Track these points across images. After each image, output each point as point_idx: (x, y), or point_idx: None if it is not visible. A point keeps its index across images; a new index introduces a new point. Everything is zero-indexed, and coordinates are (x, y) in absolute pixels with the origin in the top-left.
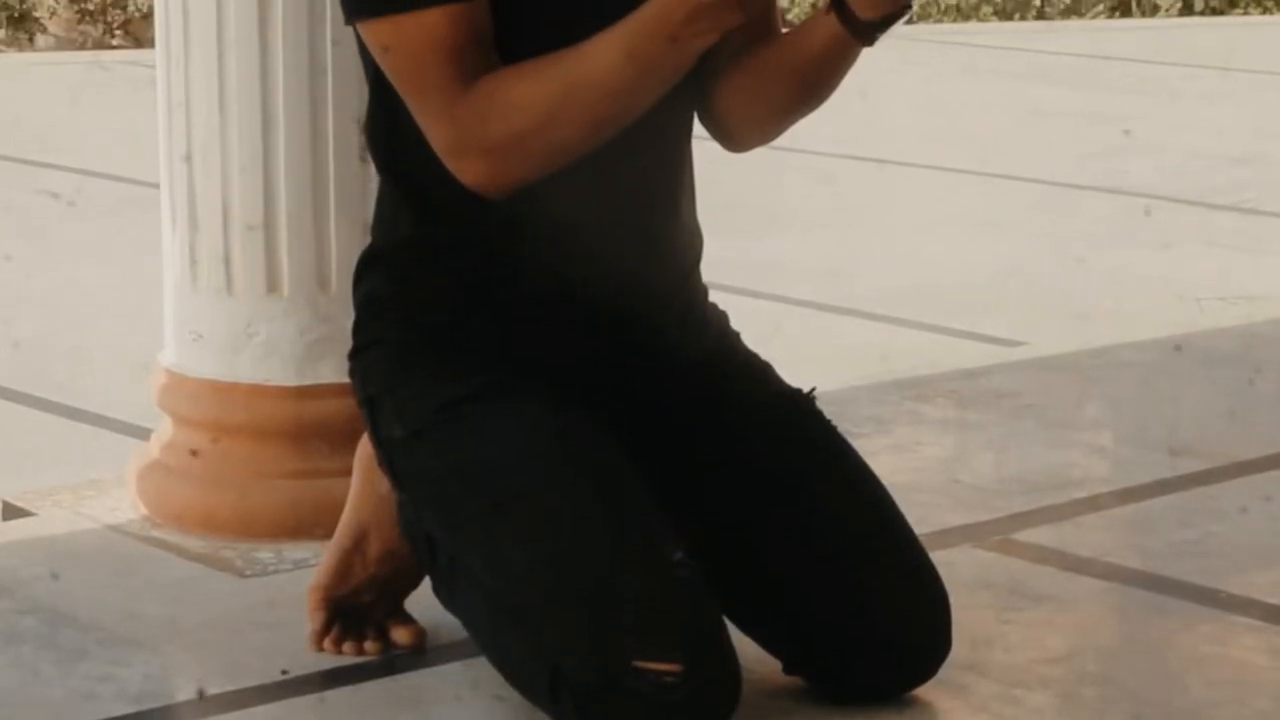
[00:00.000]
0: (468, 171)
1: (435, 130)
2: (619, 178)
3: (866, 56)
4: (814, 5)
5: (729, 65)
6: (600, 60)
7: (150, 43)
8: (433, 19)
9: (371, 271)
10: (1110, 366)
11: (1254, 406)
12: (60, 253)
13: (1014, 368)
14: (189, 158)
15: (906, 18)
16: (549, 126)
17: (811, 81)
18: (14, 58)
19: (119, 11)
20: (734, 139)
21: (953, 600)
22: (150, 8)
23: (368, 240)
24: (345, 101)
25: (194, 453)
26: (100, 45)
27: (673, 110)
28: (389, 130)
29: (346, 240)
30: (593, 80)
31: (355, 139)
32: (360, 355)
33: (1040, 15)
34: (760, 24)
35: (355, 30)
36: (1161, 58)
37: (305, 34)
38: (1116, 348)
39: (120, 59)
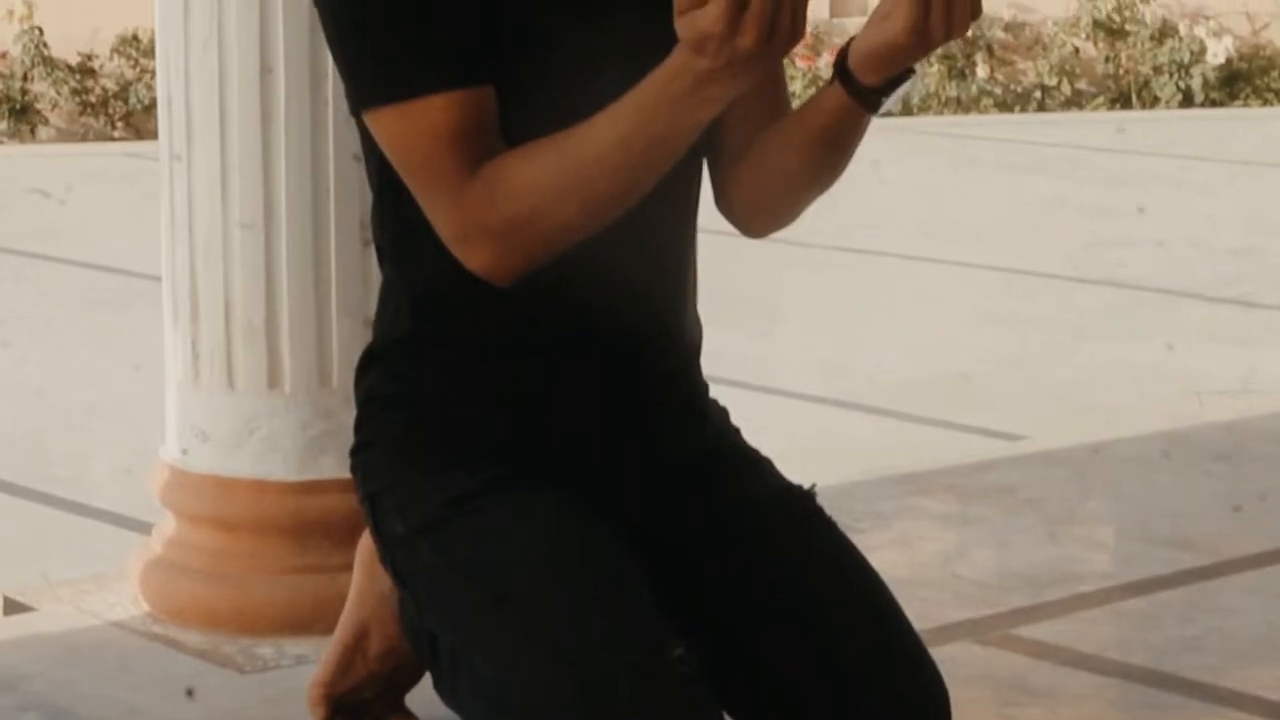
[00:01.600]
0: (475, 257)
1: (441, 216)
2: (620, 267)
3: (867, 148)
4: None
5: (741, 147)
6: (605, 136)
7: (152, 135)
8: (438, 104)
9: (372, 369)
10: (1111, 461)
11: (1255, 501)
12: (62, 345)
13: (1014, 462)
14: (192, 253)
15: (911, 83)
16: (556, 206)
17: (822, 155)
18: (15, 149)
19: (121, 104)
20: (751, 223)
21: (953, 696)
22: (152, 100)
23: (369, 337)
24: (347, 198)
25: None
26: (102, 137)
27: (677, 196)
28: (392, 225)
29: (348, 336)
30: (598, 157)
31: (357, 235)
32: (361, 452)
33: (1040, 108)
34: (769, 101)
35: (358, 124)
36: (1161, 150)
37: (308, 129)
38: (1117, 442)
39: (122, 151)
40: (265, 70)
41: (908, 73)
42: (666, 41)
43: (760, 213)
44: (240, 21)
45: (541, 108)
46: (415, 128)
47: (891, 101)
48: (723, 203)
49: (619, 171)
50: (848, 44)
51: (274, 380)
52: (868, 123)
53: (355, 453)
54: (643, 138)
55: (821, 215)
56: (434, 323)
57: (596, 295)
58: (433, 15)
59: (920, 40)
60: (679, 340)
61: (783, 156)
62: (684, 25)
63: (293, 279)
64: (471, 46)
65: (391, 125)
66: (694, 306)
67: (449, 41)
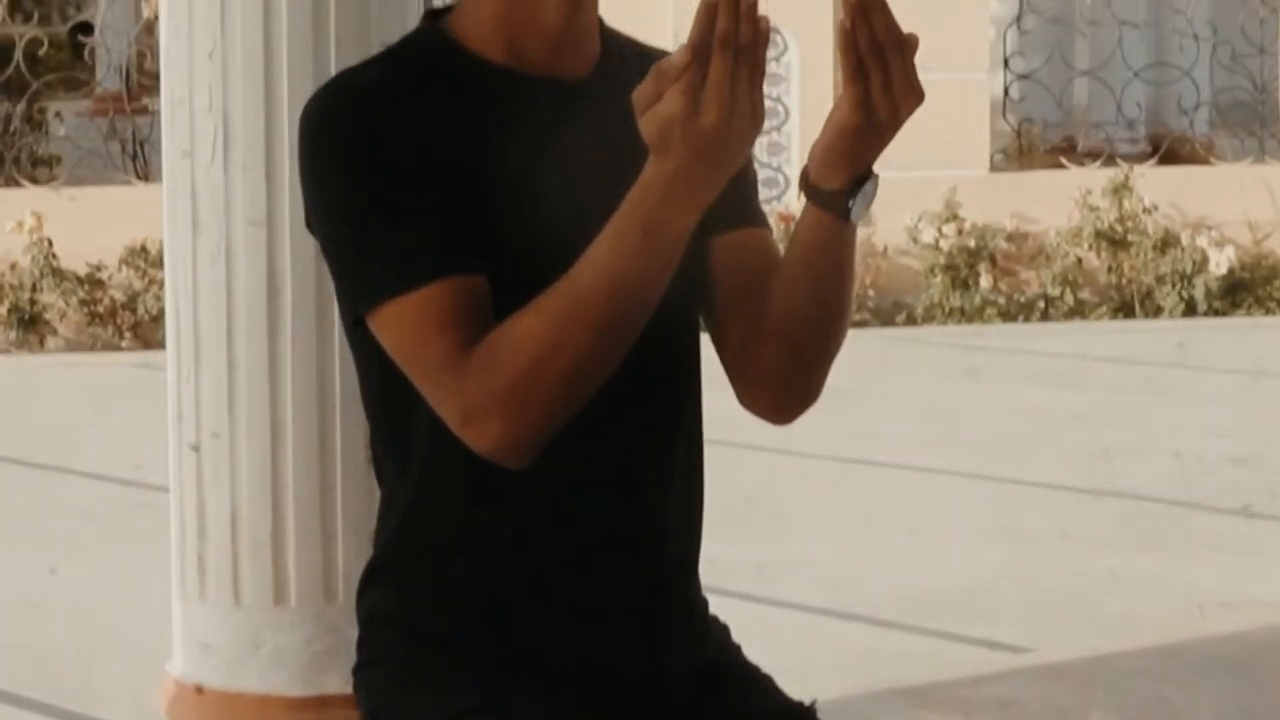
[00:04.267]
0: (485, 433)
1: (446, 399)
2: (609, 482)
3: (871, 358)
4: None
5: (752, 315)
6: (592, 266)
7: (159, 345)
8: (432, 293)
9: (373, 587)
10: (1114, 673)
11: (1259, 713)
12: (68, 556)
13: (1019, 675)
14: (199, 467)
15: (874, 183)
16: (555, 352)
17: (819, 282)
18: (24, 360)
19: (129, 314)
20: (778, 401)
21: None
22: (160, 310)
23: (372, 551)
24: (353, 413)
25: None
26: (110, 347)
27: (661, 412)
28: (390, 449)
29: (353, 551)
30: (588, 290)
31: (362, 450)
32: (363, 670)
33: (1044, 317)
34: (766, 261)
35: (353, 344)
36: (1164, 360)
37: (314, 343)
38: (1120, 654)
39: (129, 361)
40: (273, 288)
41: (868, 174)
42: None
43: (784, 385)
44: (248, 237)
45: (532, 285)
46: (414, 318)
47: (860, 205)
48: (745, 389)
49: (612, 298)
50: (807, 164)
51: (280, 595)
52: (851, 238)
53: (357, 671)
54: (628, 258)
55: (825, 425)
56: (431, 540)
57: (587, 512)
58: (420, 214)
59: (867, 119)
60: (676, 555)
61: (787, 303)
62: (647, 120)
63: (299, 494)
64: (461, 238)
65: (391, 320)
66: (696, 521)
67: (439, 236)
